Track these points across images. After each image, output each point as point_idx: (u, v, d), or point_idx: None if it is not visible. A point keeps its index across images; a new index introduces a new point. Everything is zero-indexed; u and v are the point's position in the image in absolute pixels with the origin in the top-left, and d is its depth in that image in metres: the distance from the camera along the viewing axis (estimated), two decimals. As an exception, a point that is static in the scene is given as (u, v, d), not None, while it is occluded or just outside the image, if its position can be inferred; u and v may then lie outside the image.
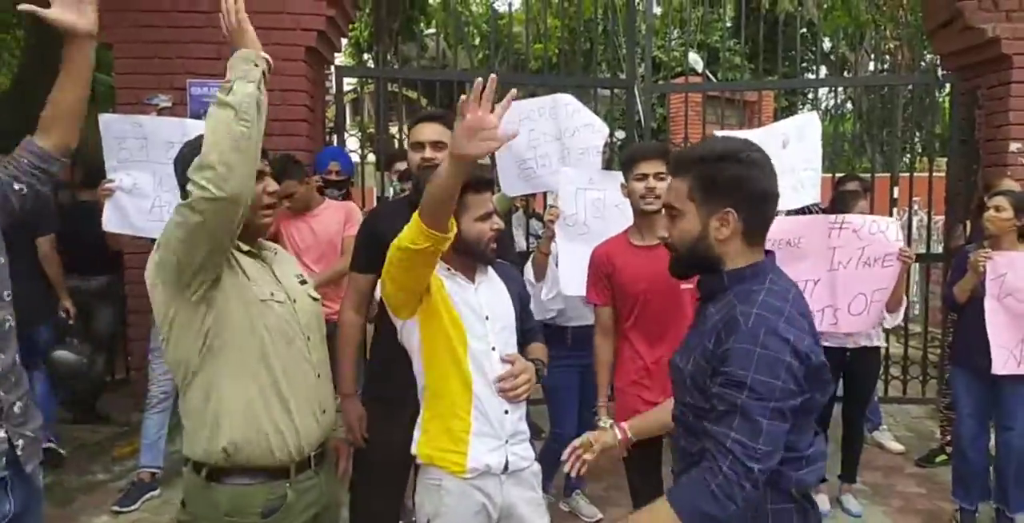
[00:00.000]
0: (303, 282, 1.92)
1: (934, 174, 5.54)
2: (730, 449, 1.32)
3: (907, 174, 5.50)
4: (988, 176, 4.50)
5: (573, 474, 1.98)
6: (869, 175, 5.29)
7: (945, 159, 5.51)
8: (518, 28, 7.22)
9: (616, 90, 5.61)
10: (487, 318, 1.96)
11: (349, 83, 6.51)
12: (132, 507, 3.61)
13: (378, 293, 2.27)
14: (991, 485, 3.55)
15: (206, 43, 4.45)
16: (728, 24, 13.00)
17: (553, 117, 3.54)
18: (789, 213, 4.42)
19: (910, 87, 6.04)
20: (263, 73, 1.59)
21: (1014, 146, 4.69)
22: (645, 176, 2.54)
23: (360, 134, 5.45)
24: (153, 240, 3.37)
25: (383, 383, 2.37)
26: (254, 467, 1.70)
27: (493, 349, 1.94)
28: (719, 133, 3.94)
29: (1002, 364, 3.25)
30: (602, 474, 3.86)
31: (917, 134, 6.39)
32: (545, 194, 4.02)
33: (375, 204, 4.97)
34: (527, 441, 2.02)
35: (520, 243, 5.40)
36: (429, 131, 2.46)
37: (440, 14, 11.40)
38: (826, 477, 3.79)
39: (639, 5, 5.57)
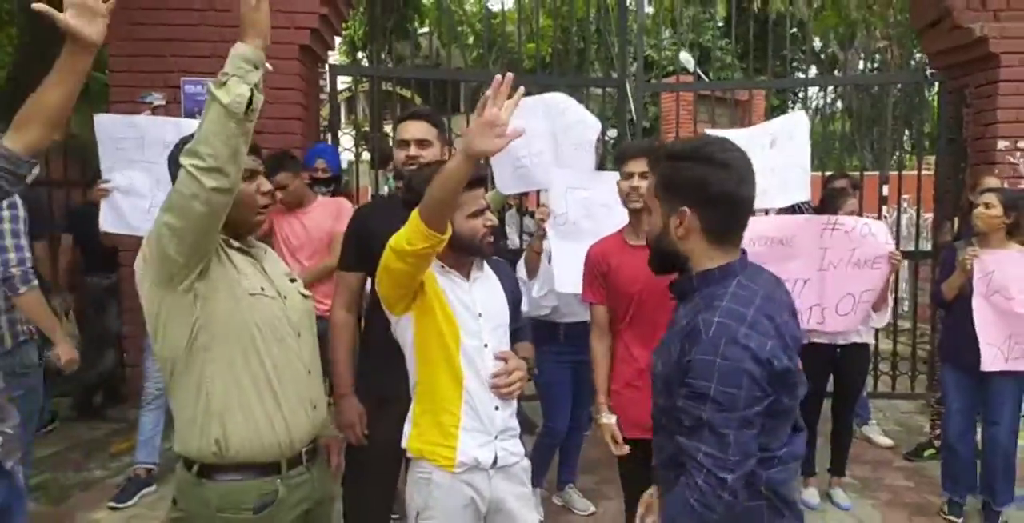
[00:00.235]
0: (292, 280, 1.92)
1: (923, 172, 5.59)
2: (702, 463, 1.35)
3: (896, 172, 5.55)
4: (974, 174, 4.56)
5: None
6: (858, 173, 5.35)
7: (934, 157, 5.56)
8: (511, 27, 7.24)
9: (608, 89, 5.64)
10: (480, 315, 1.97)
11: (343, 82, 6.53)
12: (128, 503, 3.61)
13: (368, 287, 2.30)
14: (978, 479, 3.60)
15: (200, 41, 4.47)
16: (719, 23, 13.05)
17: (545, 114, 3.55)
18: (781, 211, 4.47)
19: (899, 86, 6.10)
20: (262, 75, 1.57)
21: (1002, 144, 4.74)
22: (631, 174, 2.56)
23: (354, 132, 5.46)
24: None
25: (375, 379, 2.38)
26: (245, 463, 1.70)
27: (486, 346, 1.96)
28: (710, 131, 3.97)
29: (990, 361, 3.29)
30: (594, 467, 3.90)
31: (906, 133, 6.44)
32: (538, 192, 4.04)
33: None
34: (517, 437, 2.03)
35: (513, 240, 5.43)
36: (414, 129, 2.46)
37: (434, 13, 11.41)
38: (816, 471, 3.85)
39: (631, 4, 5.60)
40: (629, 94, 5.33)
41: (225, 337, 1.67)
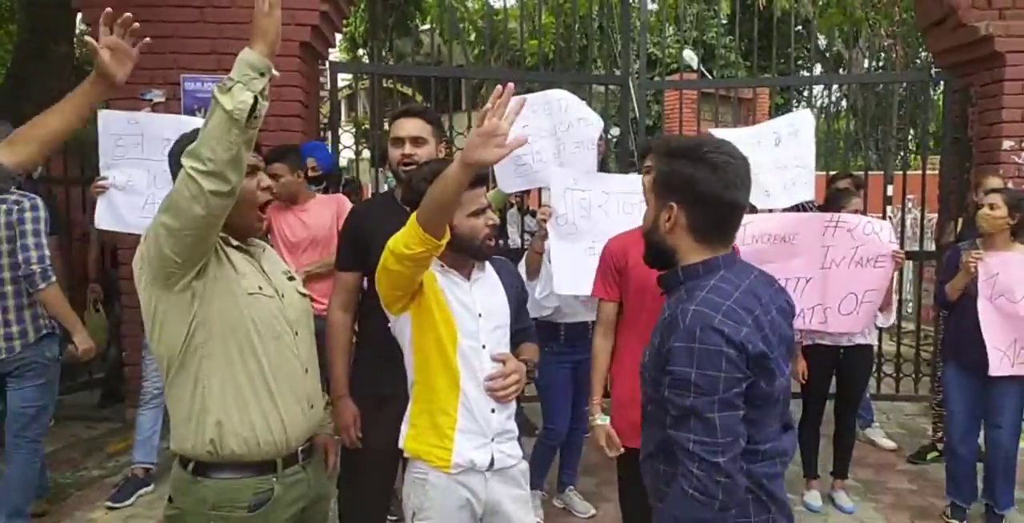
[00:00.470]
0: (291, 278, 1.92)
1: (928, 172, 5.55)
2: (693, 451, 1.39)
3: (901, 172, 5.52)
4: (978, 174, 4.52)
5: None
6: (863, 173, 5.31)
7: (939, 157, 5.53)
8: (513, 24, 7.21)
9: (611, 86, 5.61)
10: (480, 316, 1.96)
11: (343, 79, 6.50)
12: (126, 502, 3.61)
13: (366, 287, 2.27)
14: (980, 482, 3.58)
15: (200, 38, 4.45)
16: (724, 21, 13.00)
17: (547, 112, 3.53)
18: (786, 211, 4.44)
19: (904, 85, 6.06)
20: (267, 82, 1.56)
21: (1007, 144, 4.71)
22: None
23: (355, 130, 5.43)
24: None
25: (373, 378, 2.36)
26: (241, 461, 1.70)
27: (484, 347, 1.94)
28: (714, 131, 3.94)
29: (997, 366, 3.26)
30: (595, 470, 3.88)
31: (911, 132, 6.41)
32: (540, 190, 4.02)
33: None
34: (514, 439, 2.01)
35: (515, 240, 5.41)
36: (410, 126, 2.43)
37: (435, 10, 11.37)
38: (818, 473, 3.82)
39: (634, 1, 5.58)
40: (632, 92, 5.29)
41: (222, 336, 1.67)
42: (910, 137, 6.46)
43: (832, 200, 3.85)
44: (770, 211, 3.99)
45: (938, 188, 5.30)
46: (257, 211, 1.79)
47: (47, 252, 3.05)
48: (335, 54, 6.63)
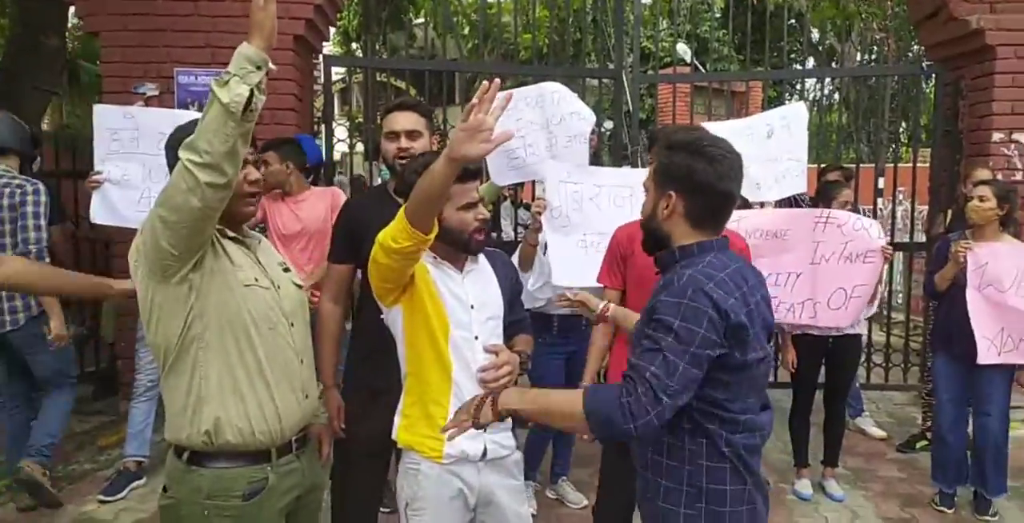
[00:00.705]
0: (286, 269, 1.93)
1: (919, 164, 5.58)
2: (647, 379, 1.45)
3: (892, 164, 5.55)
4: (967, 166, 4.56)
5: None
6: (854, 166, 5.34)
7: (930, 150, 5.56)
8: (507, 18, 7.21)
9: (605, 80, 5.62)
10: (472, 307, 1.96)
11: (337, 73, 6.49)
12: (118, 496, 3.60)
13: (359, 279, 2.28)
14: (969, 470, 3.62)
15: (193, 31, 4.44)
16: (717, 14, 13.01)
17: (540, 106, 3.55)
18: (779, 204, 4.46)
19: (896, 78, 6.09)
20: (264, 75, 1.57)
21: (996, 136, 4.74)
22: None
23: (348, 124, 5.43)
24: None
25: (366, 370, 2.38)
26: (236, 451, 1.71)
27: (476, 338, 1.95)
28: (707, 124, 3.96)
29: (984, 354, 3.30)
30: (587, 461, 3.90)
31: (903, 124, 6.44)
32: (534, 183, 4.03)
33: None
34: (508, 430, 2.02)
35: (508, 233, 5.43)
36: (404, 120, 2.43)
37: (429, 4, 11.34)
38: (809, 462, 3.86)
39: (627, -5, 5.57)
40: (626, 85, 5.30)
41: (219, 327, 1.69)
42: (902, 130, 6.48)
43: (823, 192, 3.88)
44: (762, 204, 4.02)
45: (928, 180, 5.34)
46: (245, 200, 1.79)
47: (44, 235, 3.29)
48: (329, 48, 6.63)
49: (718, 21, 12.09)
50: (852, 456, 4.26)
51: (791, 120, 4.06)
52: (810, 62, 12.89)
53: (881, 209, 7.03)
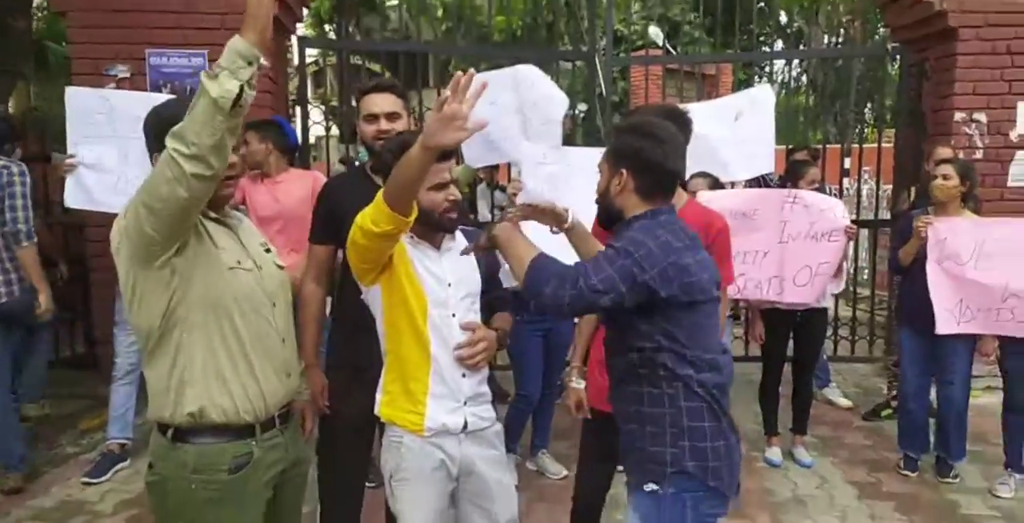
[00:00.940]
0: (268, 250, 1.94)
1: (884, 145, 5.72)
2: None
3: (858, 145, 5.67)
4: (930, 145, 4.68)
5: None
6: (821, 146, 5.46)
7: (894, 130, 5.69)
8: (481, 0, 7.19)
9: (578, 63, 5.66)
10: (450, 285, 2.00)
11: (311, 56, 6.45)
12: (103, 478, 3.61)
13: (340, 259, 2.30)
14: (933, 436, 3.77)
15: (164, 11, 4.39)
16: (688, -3, 13.04)
17: (514, 89, 3.58)
18: (748, 183, 4.57)
19: (863, 60, 6.20)
20: (256, 70, 1.54)
21: (958, 116, 4.87)
22: None
23: (323, 106, 5.42)
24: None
25: (349, 348, 2.40)
26: (220, 427, 1.73)
27: (453, 316, 1.98)
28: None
29: (943, 324, 3.43)
30: (567, 433, 4.00)
31: (868, 105, 6.57)
32: (509, 166, 4.08)
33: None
34: (488, 403, 2.07)
35: (484, 215, 5.47)
36: (383, 102, 2.43)
37: (400, -15, 11.22)
38: (779, 431, 4.00)
39: (600, -23, 5.60)
40: (599, 68, 5.35)
41: (202, 310, 1.69)
42: (867, 111, 6.62)
43: (791, 171, 3.99)
44: (732, 185, 4.12)
45: (893, 160, 5.47)
46: (224, 182, 1.77)
47: (31, 213, 3.42)
48: (302, 29, 6.58)
49: (689, 4, 12.15)
50: (820, 425, 4.39)
51: (758, 102, 4.15)
52: (779, 45, 13.02)
53: (847, 188, 7.19)
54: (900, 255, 3.64)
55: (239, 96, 1.50)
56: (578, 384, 2.47)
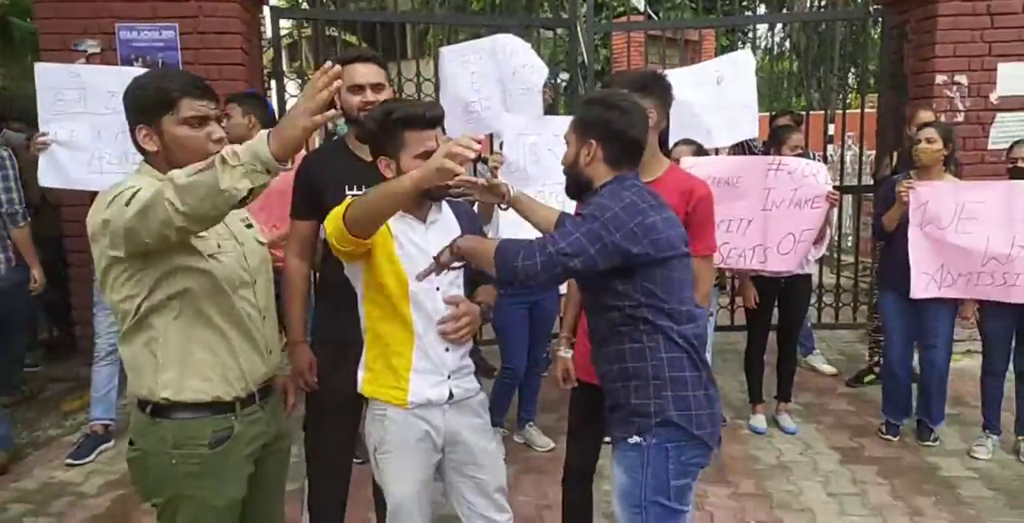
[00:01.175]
0: (249, 225, 1.92)
1: (867, 110, 5.70)
2: (546, 238, 1.78)
3: (841, 111, 5.64)
4: (911, 108, 4.66)
5: None
6: (804, 112, 5.43)
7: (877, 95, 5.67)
8: (457, -33, 7.03)
9: (559, 30, 5.57)
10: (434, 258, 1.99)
11: (285, 28, 6.31)
12: (86, 459, 3.60)
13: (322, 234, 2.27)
14: (914, 402, 3.81)
15: (132, -16, 4.27)
16: (669, -38, 12.85)
17: (493, 59, 3.53)
18: (732, 149, 4.53)
19: (846, 24, 6.15)
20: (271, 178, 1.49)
21: (939, 78, 4.85)
22: None
23: (300, 80, 5.31)
24: (94, 193, 3.38)
25: (333, 324, 2.38)
26: (199, 404, 1.72)
27: (437, 290, 1.97)
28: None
29: (923, 288, 3.45)
30: (553, 406, 4.02)
31: (852, 71, 6.53)
32: (491, 137, 4.03)
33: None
34: (471, 374, 2.07)
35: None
36: (368, 72, 2.37)
37: (376, -47, 10.98)
38: (763, 399, 4.03)
39: (579, -58, 5.50)
40: (580, 35, 5.27)
41: (179, 295, 1.68)
42: (851, 75, 6.59)
43: (774, 136, 3.96)
44: (716, 151, 4.09)
45: (876, 124, 5.45)
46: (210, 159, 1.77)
47: (22, 194, 3.62)
48: (274, 0, 6.42)
49: (670, -31, 11.96)
50: (804, 391, 4.44)
51: (740, 67, 4.11)
52: (761, 10, 12.89)
53: (831, 155, 7.18)
54: (884, 221, 3.63)
55: (248, 193, 1.45)
56: (566, 353, 2.47)
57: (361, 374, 2.01)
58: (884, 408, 3.86)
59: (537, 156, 3.30)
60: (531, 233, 2.56)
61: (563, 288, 2.75)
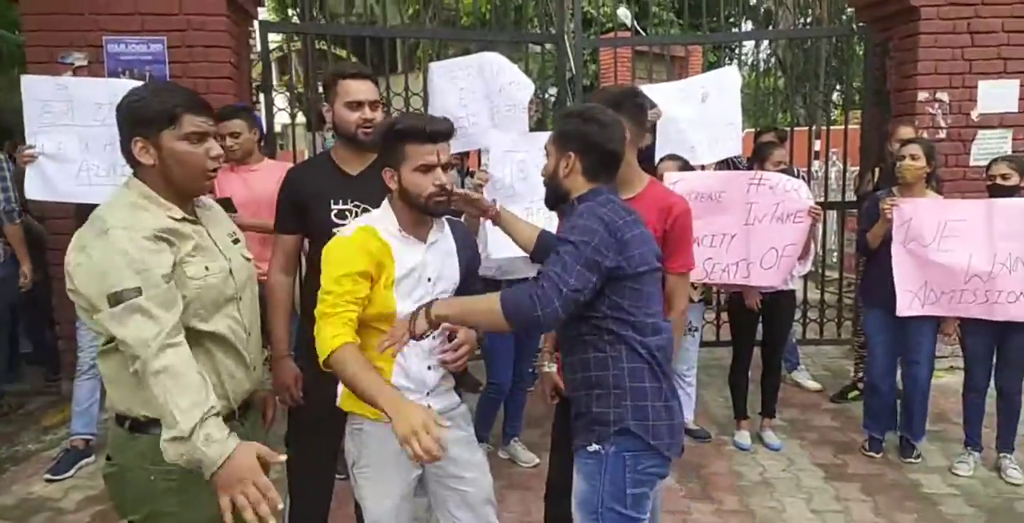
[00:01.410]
0: (236, 240, 1.90)
1: (851, 126, 5.76)
2: (549, 275, 1.77)
3: (826, 127, 5.70)
4: (892, 124, 4.72)
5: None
6: (789, 128, 5.48)
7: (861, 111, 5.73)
8: (447, -18, 7.07)
9: (547, 46, 5.62)
10: (430, 280, 1.97)
11: (274, 42, 6.32)
12: (66, 474, 3.56)
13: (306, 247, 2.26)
14: (898, 417, 3.83)
15: (120, -3, 4.27)
16: (658, -22, 12.99)
17: (481, 76, 3.56)
18: (717, 166, 4.57)
19: (831, 40, 6.22)
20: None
21: (922, 95, 4.91)
22: None
23: (288, 94, 5.32)
24: (80, 205, 3.37)
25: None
26: None
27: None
28: (645, 87, 4.01)
29: (907, 306, 3.47)
30: (538, 421, 4.01)
31: (837, 87, 6.61)
32: (479, 153, 4.05)
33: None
34: (451, 389, 2.07)
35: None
36: (366, 89, 2.38)
37: (367, -33, 11.04)
38: (748, 414, 4.04)
39: (567, -41, 5.55)
40: (568, 51, 5.31)
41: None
42: (836, 92, 6.66)
43: (757, 152, 4.00)
44: (703, 167, 4.11)
45: (860, 140, 5.50)
46: (207, 175, 1.73)
47: (17, 194, 3.84)
48: (264, 14, 6.44)
49: (659, -15, 12.09)
50: (788, 407, 4.45)
51: (725, 84, 4.15)
52: (748, 26, 13.04)
53: (816, 171, 7.24)
54: (868, 237, 3.65)
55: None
56: (550, 368, 2.48)
57: (341, 388, 2.00)
58: (865, 423, 3.87)
59: (525, 173, 3.32)
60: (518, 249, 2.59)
61: None
